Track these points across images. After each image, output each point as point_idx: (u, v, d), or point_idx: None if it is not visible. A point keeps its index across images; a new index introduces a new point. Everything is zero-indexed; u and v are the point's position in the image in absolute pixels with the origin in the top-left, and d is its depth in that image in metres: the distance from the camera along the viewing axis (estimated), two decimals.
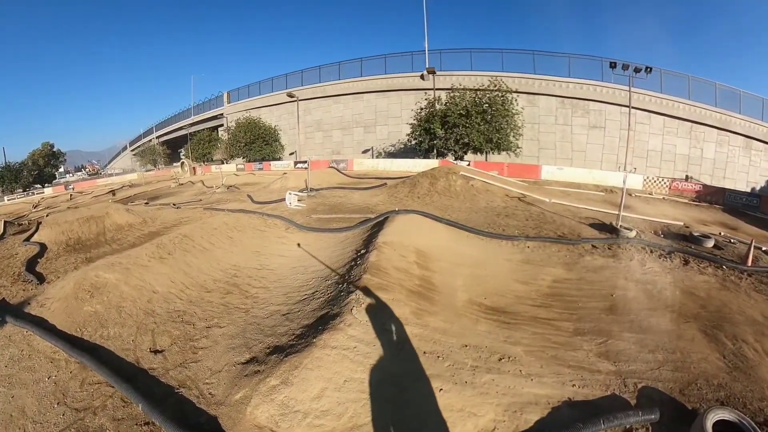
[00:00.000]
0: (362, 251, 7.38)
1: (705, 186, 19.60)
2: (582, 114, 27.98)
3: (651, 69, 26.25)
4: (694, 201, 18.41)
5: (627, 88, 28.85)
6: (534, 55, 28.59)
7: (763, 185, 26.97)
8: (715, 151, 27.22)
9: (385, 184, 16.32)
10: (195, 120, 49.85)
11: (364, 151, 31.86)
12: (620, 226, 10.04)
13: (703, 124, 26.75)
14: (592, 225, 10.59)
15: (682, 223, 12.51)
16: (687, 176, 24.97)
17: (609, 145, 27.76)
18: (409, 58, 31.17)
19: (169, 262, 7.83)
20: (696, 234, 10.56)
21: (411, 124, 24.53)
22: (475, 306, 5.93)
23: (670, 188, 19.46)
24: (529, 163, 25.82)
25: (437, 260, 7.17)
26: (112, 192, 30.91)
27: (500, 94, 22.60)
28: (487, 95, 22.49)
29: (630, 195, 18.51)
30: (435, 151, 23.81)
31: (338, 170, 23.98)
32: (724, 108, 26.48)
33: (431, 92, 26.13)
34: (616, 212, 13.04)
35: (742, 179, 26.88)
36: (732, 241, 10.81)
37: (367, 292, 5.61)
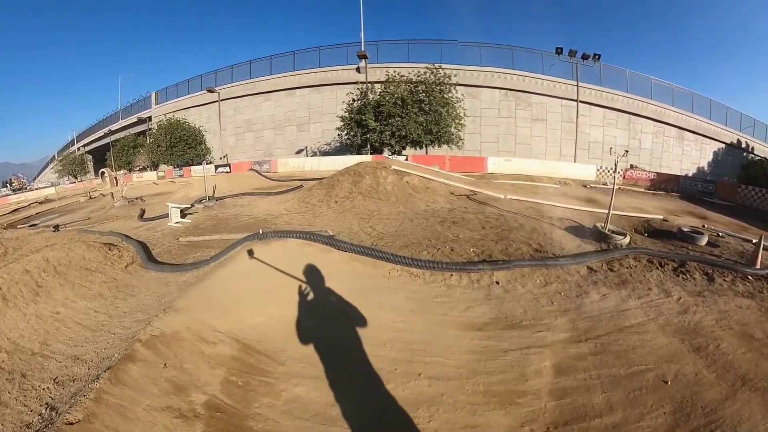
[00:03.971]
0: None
1: (659, 174, 17.78)
2: (525, 107, 26.22)
3: (599, 56, 25.10)
4: (649, 190, 16.45)
5: (568, 81, 28.20)
6: (478, 47, 26.29)
7: (694, 171, 27.05)
8: (651, 141, 27.60)
9: (301, 186, 12.19)
10: (123, 124, 42.26)
11: (298, 152, 27.38)
12: (608, 229, 6.79)
13: (641, 116, 26.65)
14: (569, 229, 7.25)
15: (661, 217, 9.81)
16: (631, 165, 23.65)
17: (552, 138, 26.57)
18: (344, 50, 27.36)
19: None
20: (686, 230, 7.85)
21: (341, 116, 20.57)
22: None
23: (623, 177, 17.33)
24: (473, 156, 23.10)
25: (295, 363, 3.17)
26: (16, 210, 23.71)
27: (438, 81, 19.28)
28: (424, 83, 19.08)
29: (585, 186, 16.07)
30: (369, 146, 19.95)
31: (259, 173, 19.36)
32: (659, 101, 26.66)
33: (371, 82, 22.24)
34: (588, 209, 10.05)
35: (676, 167, 27.07)
36: (720, 234, 8.47)
37: None
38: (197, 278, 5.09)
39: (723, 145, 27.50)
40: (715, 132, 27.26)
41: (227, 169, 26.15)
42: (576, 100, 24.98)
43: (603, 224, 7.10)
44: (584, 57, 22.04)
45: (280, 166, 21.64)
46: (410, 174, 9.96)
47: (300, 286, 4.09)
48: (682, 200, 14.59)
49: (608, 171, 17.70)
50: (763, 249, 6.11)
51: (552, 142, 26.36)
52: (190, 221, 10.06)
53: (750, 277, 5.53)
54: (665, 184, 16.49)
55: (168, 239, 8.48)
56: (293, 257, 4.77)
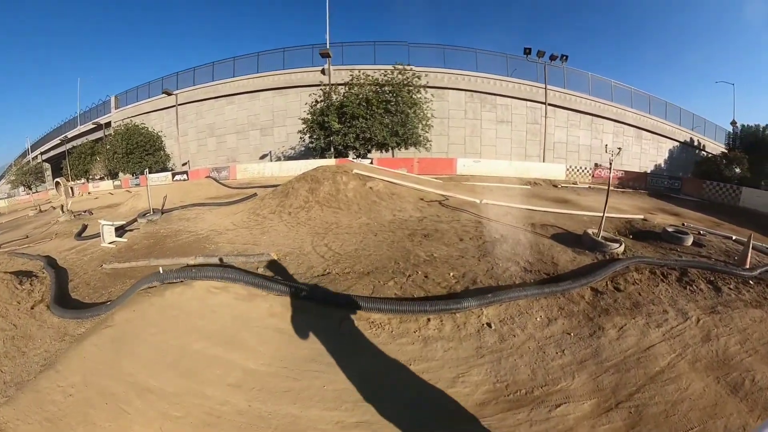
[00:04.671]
0: None
1: (627, 172, 17.67)
2: (490, 108, 26.02)
3: (566, 57, 25.15)
4: (618, 188, 16.20)
5: (533, 83, 28.27)
6: (443, 49, 25.73)
7: (652, 168, 27.80)
8: (612, 141, 28.21)
9: (255, 195, 10.69)
10: (81, 130, 38.46)
11: (262, 157, 25.59)
12: (601, 237, 5.90)
13: (602, 117, 27.28)
14: (556, 237, 6.30)
15: (641, 217, 9.24)
16: (596, 164, 23.75)
17: (517, 139, 26.55)
18: (309, 51, 25.95)
19: None
20: (670, 230, 7.23)
21: (303, 119, 19.12)
22: None
23: (593, 176, 17.05)
24: (441, 158, 22.35)
25: None
26: None
27: (405, 80, 18.28)
28: (390, 83, 18.01)
29: (556, 186, 15.57)
30: (333, 149, 18.57)
31: (217, 181, 17.49)
32: (619, 103, 27.47)
33: (334, 85, 20.87)
34: (569, 211, 9.26)
35: (635, 165, 27.71)
36: (702, 233, 8.02)
37: None
38: (72, 342, 3.57)
39: (678, 143, 28.44)
40: (670, 131, 28.17)
41: (184, 176, 23.96)
42: (545, 103, 25.01)
43: (594, 230, 6.20)
44: (552, 58, 21.91)
45: (239, 172, 19.80)
46: (374, 179, 8.70)
47: (183, 386, 2.66)
48: (651, 197, 14.38)
49: (578, 170, 17.34)
50: (747, 247, 5.80)
51: (517, 143, 26.26)
52: (126, 240, 8.35)
53: (750, 281, 5.03)
54: (633, 182, 16.32)
55: (93, 265, 6.86)
56: (200, 314, 3.36)
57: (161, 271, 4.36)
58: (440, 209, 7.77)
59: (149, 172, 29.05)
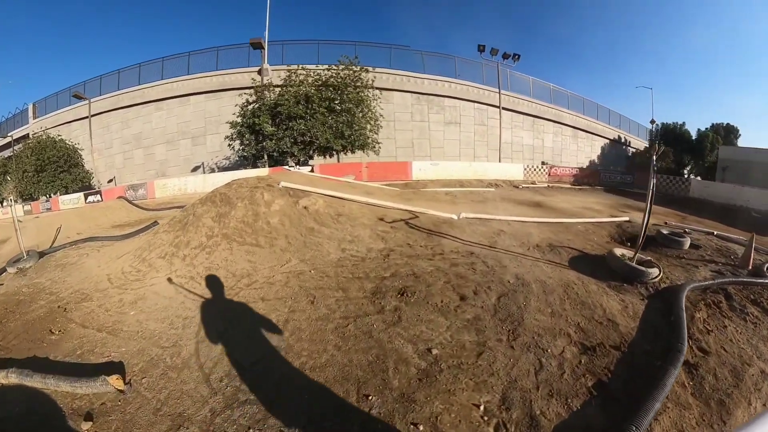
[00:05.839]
0: None
1: (581, 169, 17.05)
2: (438, 110, 24.82)
3: (518, 56, 24.52)
4: (574, 185, 15.42)
5: (480, 86, 27.71)
6: (390, 48, 23.79)
7: (587, 164, 28.60)
8: (552, 140, 28.67)
9: (156, 223, 7.62)
10: None
11: (194, 169, 21.76)
12: (635, 261, 4.10)
13: (543, 119, 27.30)
14: (575, 264, 4.64)
15: (626, 218, 7.95)
16: (543, 162, 23.46)
17: (465, 141, 25.70)
18: (245, 50, 22.50)
19: None
20: (665, 232, 6.10)
21: (232, 122, 15.94)
22: None
23: (549, 175, 16.11)
24: (395, 162, 20.37)
25: None
26: None
27: (352, 74, 15.73)
28: (332, 78, 15.37)
29: (517, 187, 14.25)
30: (266, 156, 15.51)
31: (129, 201, 13.73)
32: (557, 105, 27.77)
33: (267, 85, 17.68)
34: (561, 220, 7.55)
35: (573, 162, 28.23)
36: (687, 231, 7.06)
37: None
38: None
39: (608, 141, 29.58)
40: (601, 130, 29.22)
41: (98, 197, 19.29)
42: (499, 106, 24.42)
43: (620, 250, 4.40)
44: (505, 56, 21.04)
45: (157, 189, 15.94)
46: (311, 194, 5.97)
47: None
48: (608, 193, 13.69)
49: (534, 170, 16.29)
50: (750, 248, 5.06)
51: (466, 144, 25.39)
52: None
53: None
54: (587, 179, 15.68)
55: None
56: None
57: None
58: (409, 233, 5.42)
59: (65, 192, 23.75)
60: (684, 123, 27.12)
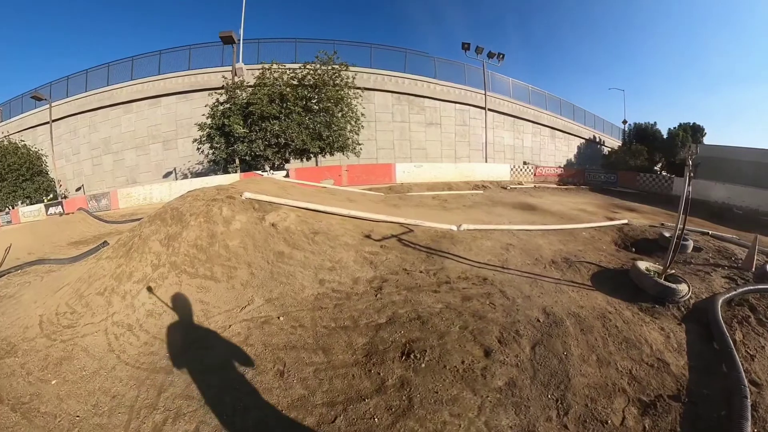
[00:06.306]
0: None
1: (566, 169, 16.77)
2: (418, 111, 24.27)
3: (503, 56, 24.16)
4: (560, 185, 15.11)
5: (462, 86, 27.32)
6: (370, 47, 22.95)
7: (565, 163, 28.81)
8: (531, 140, 28.70)
9: (105, 243, 6.48)
10: None
11: (166, 175, 20.23)
12: (665, 277, 3.47)
13: (522, 119, 27.29)
14: (598, 282, 4.11)
15: (624, 221, 7.50)
16: (524, 162, 23.26)
17: (446, 141, 25.26)
18: (219, 49, 21.20)
19: None
20: (668, 235, 5.69)
21: (200, 124, 14.69)
22: None
23: (535, 175, 15.73)
24: (377, 164, 19.56)
25: None
26: None
27: (331, 71, 14.74)
28: (310, 74, 14.41)
29: (505, 188, 13.73)
30: (237, 160, 14.34)
31: (90, 214, 12.25)
32: (535, 105, 27.89)
33: (238, 85, 16.40)
34: (565, 226, 6.93)
35: (551, 161, 28.39)
36: (685, 232, 6.50)
37: None
38: None
39: (584, 140, 29.94)
40: (577, 130, 29.55)
41: (60, 209, 17.49)
42: (485, 108, 24.09)
43: (644, 264, 3.78)
44: (490, 55, 20.61)
45: (121, 199, 14.46)
46: (280, 207, 4.94)
47: None
48: (595, 193, 13.43)
49: (520, 170, 15.85)
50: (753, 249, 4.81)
51: (447, 145, 24.94)
52: None
53: None
54: (573, 178, 15.42)
55: None
56: None
57: None
58: (404, 253, 4.49)
59: (28, 203, 21.62)
60: (656, 123, 27.84)
